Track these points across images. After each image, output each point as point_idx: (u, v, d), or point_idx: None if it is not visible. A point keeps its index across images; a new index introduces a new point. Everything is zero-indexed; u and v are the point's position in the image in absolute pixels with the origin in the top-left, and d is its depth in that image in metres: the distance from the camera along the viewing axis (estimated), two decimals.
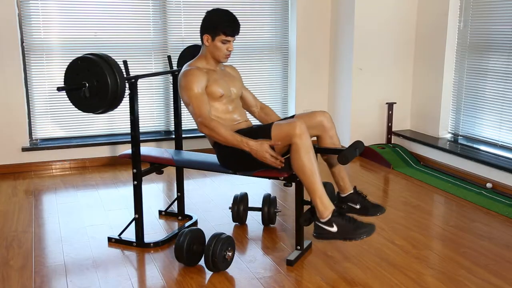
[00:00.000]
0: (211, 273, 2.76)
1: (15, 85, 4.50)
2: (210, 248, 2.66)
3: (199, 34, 2.96)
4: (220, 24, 2.86)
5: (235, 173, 2.90)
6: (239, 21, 2.91)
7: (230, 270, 2.78)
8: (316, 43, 5.39)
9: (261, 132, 2.76)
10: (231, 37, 2.89)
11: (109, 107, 2.81)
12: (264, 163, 2.70)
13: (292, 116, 3.01)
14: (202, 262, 2.80)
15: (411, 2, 5.09)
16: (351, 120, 5.16)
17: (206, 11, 2.97)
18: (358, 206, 3.03)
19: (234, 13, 2.94)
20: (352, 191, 2.99)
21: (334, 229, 2.60)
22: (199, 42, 2.98)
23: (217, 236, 2.70)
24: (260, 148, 2.66)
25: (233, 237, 3.29)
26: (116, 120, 4.89)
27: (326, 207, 2.62)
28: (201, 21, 2.95)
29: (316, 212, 2.66)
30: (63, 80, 2.82)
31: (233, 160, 2.86)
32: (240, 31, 2.93)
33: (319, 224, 2.65)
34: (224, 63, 3.06)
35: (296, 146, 2.62)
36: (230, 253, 2.73)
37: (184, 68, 2.95)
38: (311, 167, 2.61)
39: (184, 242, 2.72)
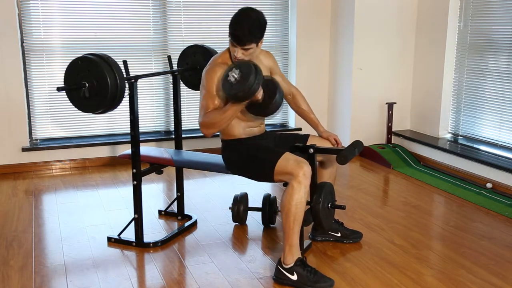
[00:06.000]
0: (211, 273, 2.76)
1: (15, 85, 4.50)
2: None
3: None
4: (231, 27, 2.64)
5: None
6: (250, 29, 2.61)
7: (230, 270, 2.79)
8: (316, 43, 5.38)
9: (269, 156, 2.68)
10: (237, 45, 2.65)
11: (109, 107, 2.81)
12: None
13: (307, 136, 2.98)
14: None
15: (411, 2, 5.09)
16: (351, 120, 5.16)
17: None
18: (339, 234, 3.12)
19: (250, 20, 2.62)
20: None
21: (294, 277, 2.58)
22: (199, 42, 2.96)
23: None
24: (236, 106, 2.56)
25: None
26: (116, 120, 4.89)
27: (292, 255, 2.60)
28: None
29: (281, 256, 2.64)
30: (63, 80, 2.82)
31: (241, 168, 2.84)
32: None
33: (281, 269, 2.63)
34: (260, 50, 2.81)
35: (292, 189, 2.53)
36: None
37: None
38: (296, 214, 2.55)
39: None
